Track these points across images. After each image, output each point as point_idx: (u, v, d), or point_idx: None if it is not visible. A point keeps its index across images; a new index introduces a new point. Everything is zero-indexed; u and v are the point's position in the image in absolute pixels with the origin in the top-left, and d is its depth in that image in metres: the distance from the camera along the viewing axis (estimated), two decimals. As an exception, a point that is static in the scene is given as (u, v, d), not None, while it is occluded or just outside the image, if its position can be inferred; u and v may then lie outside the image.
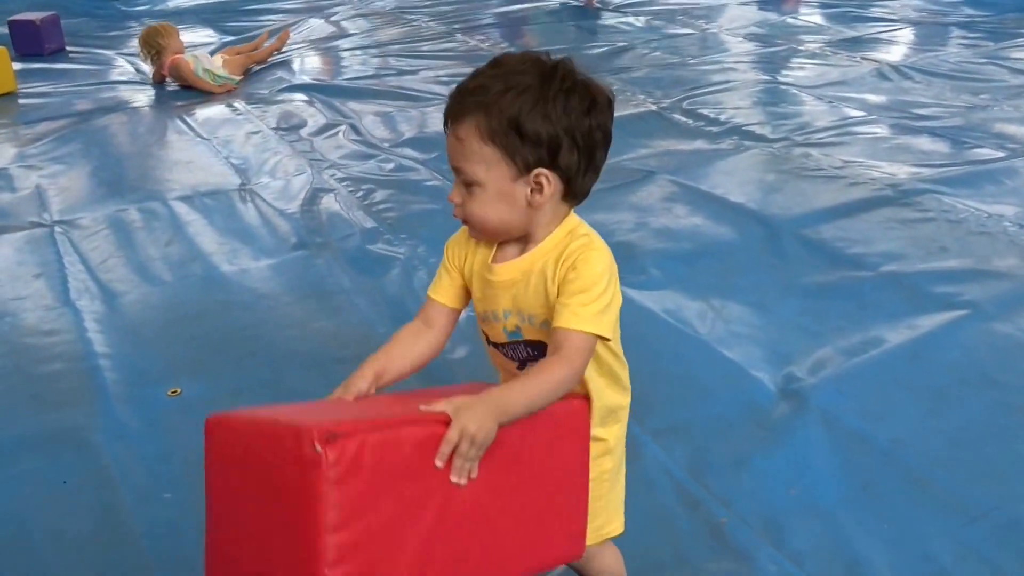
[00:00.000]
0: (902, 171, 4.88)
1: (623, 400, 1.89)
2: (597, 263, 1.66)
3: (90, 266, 4.05)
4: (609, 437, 1.85)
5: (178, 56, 6.78)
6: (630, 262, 3.90)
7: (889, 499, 2.59)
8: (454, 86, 1.66)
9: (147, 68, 7.16)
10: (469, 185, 1.64)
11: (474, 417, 1.47)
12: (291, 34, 7.82)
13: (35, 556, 2.51)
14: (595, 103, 1.64)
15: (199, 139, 5.71)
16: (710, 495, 2.61)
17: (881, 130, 5.58)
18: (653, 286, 3.73)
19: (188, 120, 6.09)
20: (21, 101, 6.53)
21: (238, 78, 6.94)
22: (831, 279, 3.81)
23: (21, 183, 5.02)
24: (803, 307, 3.60)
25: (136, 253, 4.17)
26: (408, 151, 5.40)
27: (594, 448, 1.76)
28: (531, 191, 1.63)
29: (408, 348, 1.83)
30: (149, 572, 2.45)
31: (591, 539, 1.80)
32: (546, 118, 1.58)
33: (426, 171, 5.04)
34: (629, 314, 3.42)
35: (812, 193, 4.64)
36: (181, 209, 4.62)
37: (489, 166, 1.61)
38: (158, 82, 6.94)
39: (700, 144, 5.39)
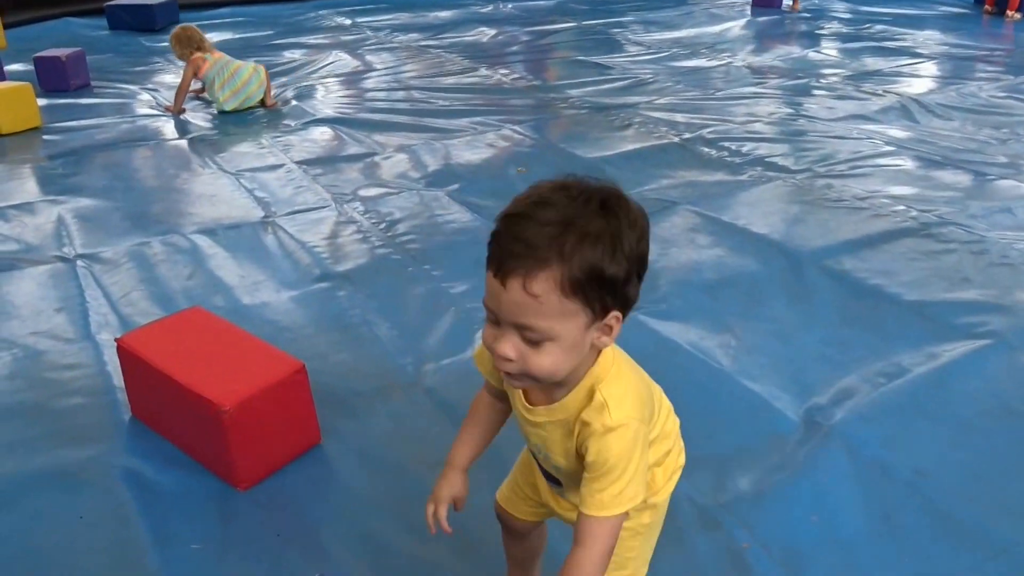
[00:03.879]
0: (924, 202, 4.88)
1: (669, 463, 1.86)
2: (615, 445, 1.55)
3: (112, 300, 4.06)
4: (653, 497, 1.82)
5: (199, 57, 7.21)
6: (652, 293, 3.89)
7: (910, 531, 2.56)
8: (500, 232, 1.46)
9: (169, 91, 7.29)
10: (536, 341, 1.46)
11: None
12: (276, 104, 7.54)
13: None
14: (645, 228, 1.51)
15: (222, 172, 5.74)
16: (733, 520, 2.60)
17: (903, 162, 5.58)
18: (675, 317, 3.72)
19: (211, 153, 6.14)
20: (45, 136, 6.59)
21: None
22: (854, 310, 3.80)
23: (44, 217, 5.06)
24: (826, 337, 3.58)
25: (158, 286, 4.18)
26: (432, 183, 5.42)
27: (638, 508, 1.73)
28: (599, 335, 1.51)
29: (486, 429, 1.91)
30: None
31: None
32: (622, 260, 1.44)
33: (450, 203, 5.05)
34: (651, 345, 3.45)
35: (834, 224, 4.63)
36: (203, 242, 4.64)
37: (567, 319, 1.44)
38: (178, 112, 7.07)
39: (722, 175, 5.40)
